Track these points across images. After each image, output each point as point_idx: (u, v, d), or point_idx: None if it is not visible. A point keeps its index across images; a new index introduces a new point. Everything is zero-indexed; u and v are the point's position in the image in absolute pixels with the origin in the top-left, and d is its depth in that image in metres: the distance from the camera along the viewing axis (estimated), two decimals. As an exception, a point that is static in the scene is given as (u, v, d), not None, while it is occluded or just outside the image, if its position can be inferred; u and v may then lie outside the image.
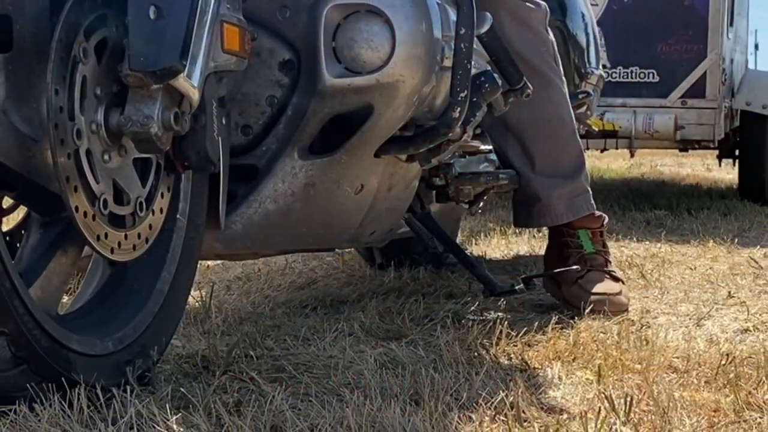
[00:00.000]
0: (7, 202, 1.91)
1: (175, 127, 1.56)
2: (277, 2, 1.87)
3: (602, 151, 5.98)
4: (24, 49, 1.46)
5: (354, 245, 2.61)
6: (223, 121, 1.76)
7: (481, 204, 2.86)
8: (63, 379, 1.52)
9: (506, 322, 2.21)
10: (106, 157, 1.56)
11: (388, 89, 1.84)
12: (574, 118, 2.74)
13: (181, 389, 1.70)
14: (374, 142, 1.94)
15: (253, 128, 1.90)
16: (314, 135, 1.90)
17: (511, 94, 2.26)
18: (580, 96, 3.10)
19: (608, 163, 8.61)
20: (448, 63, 1.92)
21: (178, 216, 1.78)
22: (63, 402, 1.51)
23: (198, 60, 1.54)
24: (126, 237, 1.62)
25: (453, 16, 1.94)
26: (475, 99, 1.98)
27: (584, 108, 3.22)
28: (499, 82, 2.08)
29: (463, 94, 1.92)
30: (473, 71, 1.97)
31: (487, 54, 2.20)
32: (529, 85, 2.29)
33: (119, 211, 1.60)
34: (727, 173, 7.15)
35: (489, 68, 2.14)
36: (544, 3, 2.64)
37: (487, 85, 2.01)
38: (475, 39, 1.99)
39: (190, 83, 1.53)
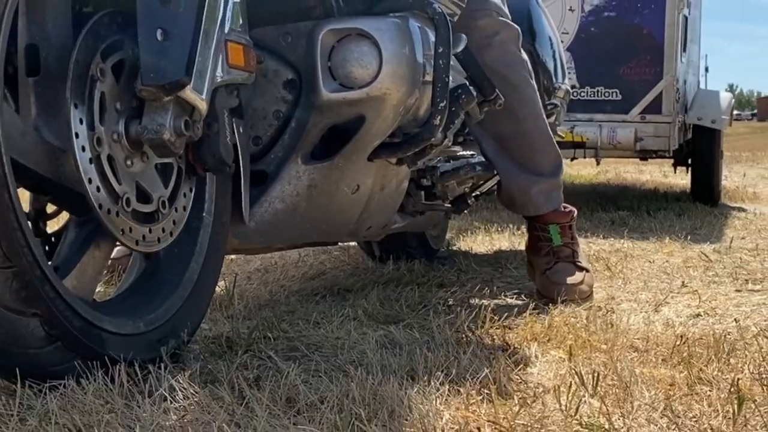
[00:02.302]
0: (51, 207, 1.92)
1: (186, 132, 1.57)
2: (280, 30, 1.88)
3: (572, 160, 5.99)
4: (50, 72, 1.48)
5: (353, 239, 2.61)
6: (241, 130, 1.77)
7: (466, 207, 2.86)
8: (96, 354, 1.53)
9: (490, 308, 2.21)
10: (128, 162, 1.58)
11: (377, 101, 1.85)
12: (548, 125, 2.77)
13: (208, 366, 1.70)
14: (367, 148, 1.95)
15: (263, 139, 1.91)
16: (315, 143, 1.90)
17: (485, 104, 2.28)
18: (548, 107, 3.12)
19: (578, 170, 8.61)
20: (429, 78, 1.93)
21: (204, 214, 1.79)
22: (106, 377, 1.51)
23: (204, 74, 1.55)
24: (150, 231, 1.63)
25: (432, 37, 1.94)
26: (453, 109, 1.99)
27: (553, 118, 3.23)
28: (474, 93, 2.09)
29: (442, 104, 1.92)
30: (451, 84, 1.98)
31: (464, 69, 2.20)
32: (501, 96, 2.30)
33: (143, 209, 1.61)
34: (681, 179, 7.15)
35: (465, 82, 2.14)
36: (516, 26, 2.65)
37: (463, 97, 2.01)
38: (453, 57, 2.00)
39: (197, 94, 1.54)
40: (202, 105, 1.57)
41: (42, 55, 1.48)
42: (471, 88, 2.08)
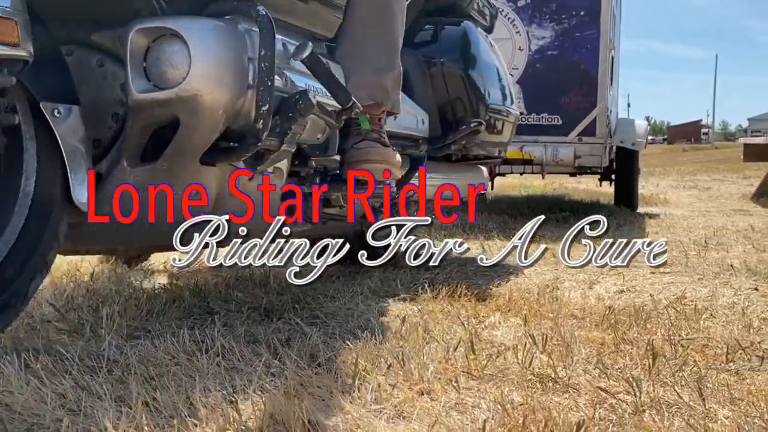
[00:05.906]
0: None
1: None
2: (117, 33, 1.48)
3: (521, 174, 5.92)
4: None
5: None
6: (75, 113, 1.42)
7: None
8: None
9: (464, 285, 2.22)
10: None
11: (190, 102, 1.42)
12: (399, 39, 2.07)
13: (251, 330, 1.71)
14: (191, 151, 1.49)
15: (102, 141, 1.49)
16: (140, 145, 1.47)
17: (343, 112, 1.77)
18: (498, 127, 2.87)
19: (530, 181, 8.59)
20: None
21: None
22: (173, 338, 1.52)
23: None
24: None
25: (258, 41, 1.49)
26: (291, 114, 1.56)
27: (507, 137, 3.00)
28: (313, 100, 1.58)
29: (265, 108, 1.47)
30: (291, 91, 1.58)
31: (314, 76, 1.68)
32: (359, 105, 1.78)
33: None
34: (608, 188, 7.14)
35: (306, 88, 1.63)
36: None
37: (301, 103, 1.56)
38: (300, 63, 1.62)
39: None
40: None
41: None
42: (310, 94, 1.59)
